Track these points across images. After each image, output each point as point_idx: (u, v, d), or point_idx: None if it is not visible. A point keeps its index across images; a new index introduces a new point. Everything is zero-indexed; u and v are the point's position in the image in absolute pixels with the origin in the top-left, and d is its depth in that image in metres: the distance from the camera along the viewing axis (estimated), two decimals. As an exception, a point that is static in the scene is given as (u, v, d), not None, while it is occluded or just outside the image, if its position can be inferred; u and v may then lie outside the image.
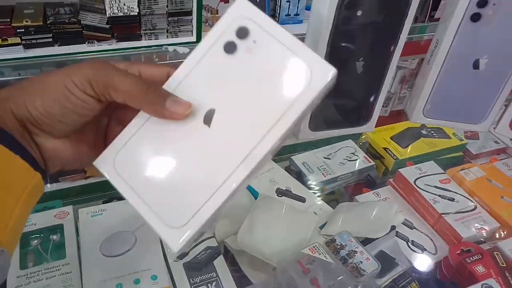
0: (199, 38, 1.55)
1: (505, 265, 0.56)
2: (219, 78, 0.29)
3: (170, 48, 0.76)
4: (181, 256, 0.53)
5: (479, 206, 0.66)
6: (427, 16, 1.74)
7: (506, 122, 0.50)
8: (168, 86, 0.30)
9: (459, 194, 0.68)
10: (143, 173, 0.29)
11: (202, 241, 0.55)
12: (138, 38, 1.50)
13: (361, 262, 0.50)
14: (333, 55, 0.41)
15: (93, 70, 0.28)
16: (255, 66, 0.28)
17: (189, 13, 1.51)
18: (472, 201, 0.66)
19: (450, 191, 0.68)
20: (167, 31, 1.53)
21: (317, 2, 0.41)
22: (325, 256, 0.50)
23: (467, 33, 0.44)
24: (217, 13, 1.59)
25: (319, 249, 0.51)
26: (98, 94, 0.29)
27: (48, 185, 0.95)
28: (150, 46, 1.46)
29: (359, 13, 0.40)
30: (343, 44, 0.42)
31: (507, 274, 0.55)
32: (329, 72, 0.27)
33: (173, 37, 1.55)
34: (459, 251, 0.59)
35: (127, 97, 0.29)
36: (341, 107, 0.48)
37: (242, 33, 0.28)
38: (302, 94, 0.27)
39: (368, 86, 0.46)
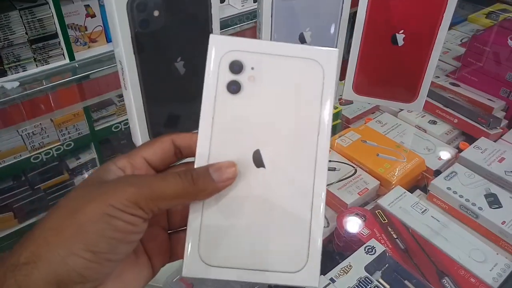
0: (72, 59, 1.46)
1: (386, 221, 0.58)
2: (241, 120, 0.28)
3: None
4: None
5: (359, 169, 0.68)
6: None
7: (349, 87, 0.51)
8: (200, 159, 0.28)
9: (339, 162, 0.69)
10: (234, 247, 0.27)
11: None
12: (4, 73, 1.38)
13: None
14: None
15: (134, 187, 0.25)
16: (267, 89, 0.28)
17: (54, 36, 1.41)
18: (352, 166, 0.68)
19: (331, 160, 0.69)
20: (35, 60, 1.42)
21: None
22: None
23: (282, 9, 0.44)
24: (86, 30, 1.50)
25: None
26: (146, 211, 0.25)
27: None
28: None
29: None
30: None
31: (389, 229, 0.57)
32: (334, 54, 0.27)
33: (43, 65, 1.44)
34: (346, 218, 0.60)
35: (177, 200, 0.26)
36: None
37: (236, 67, 0.28)
38: (325, 88, 0.27)
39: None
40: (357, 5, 0.48)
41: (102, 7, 1.50)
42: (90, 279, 0.24)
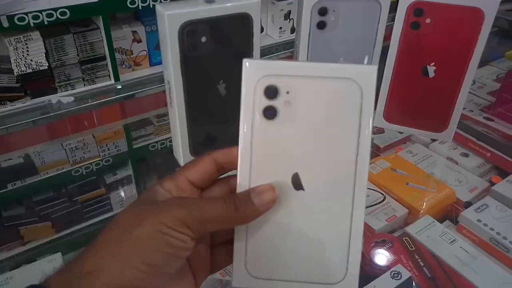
0: (117, 80, 1.54)
1: (413, 248, 0.59)
2: (279, 144, 0.28)
3: (54, 100, 0.75)
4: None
5: (388, 196, 0.69)
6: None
7: (380, 115, 0.53)
8: (241, 184, 0.29)
9: (369, 189, 0.70)
10: (277, 261, 0.29)
11: None
12: (54, 91, 1.47)
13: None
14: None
15: (184, 209, 0.27)
16: (303, 113, 0.28)
17: (103, 58, 1.51)
18: (381, 193, 0.69)
19: (360, 187, 0.71)
20: (83, 79, 1.52)
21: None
22: (235, 277, 0.50)
23: (317, 39, 0.47)
24: (131, 54, 1.59)
25: (230, 272, 0.51)
26: (194, 231, 0.27)
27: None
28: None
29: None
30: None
31: (416, 256, 0.58)
32: (373, 71, 0.27)
33: (90, 84, 1.53)
34: (373, 244, 0.61)
35: (222, 224, 0.28)
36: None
37: (271, 92, 0.27)
38: (364, 107, 0.27)
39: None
40: (390, 39, 0.51)
41: (148, 33, 1.60)
42: None
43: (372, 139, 0.84)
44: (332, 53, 0.48)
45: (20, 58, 1.34)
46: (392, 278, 0.52)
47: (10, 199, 1.33)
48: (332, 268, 0.29)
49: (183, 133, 0.44)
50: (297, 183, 0.29)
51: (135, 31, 1.57)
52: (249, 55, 0.44)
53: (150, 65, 1.65)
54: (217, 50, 0.42)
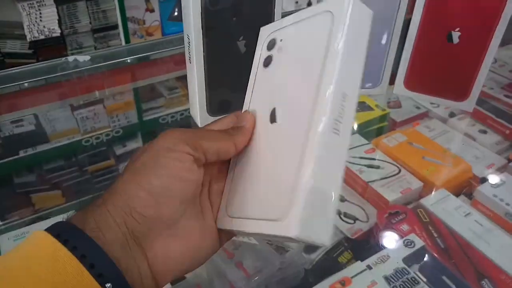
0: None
1: (428, 220, 0.58)
2: (268, 86, 0.31)
3: (70, 59, 0.75)
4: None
5: (403, 169, 0.68)
6: None
7: (400, 82, 0.52)
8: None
9: (384, 161, 0.69)
10: (243, 199, 0.30)
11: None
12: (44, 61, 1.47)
13: (285, 239, 0.51)
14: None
15: (181, 131, 0.29)
16: (289, 54, 0.30)
17: (115, 27, 1.49)
18: (397, 166, 0.68)
19: (375, 159, 0.70)
20: (95, 48, 1.51)
21: None
22: (249, 239, 0.50)
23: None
24: (144, 23, 1.57)
25: (242, 234, 0.51)
26: (193, 148, 0.28)
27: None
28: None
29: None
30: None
31: (430, 228, 0.57)
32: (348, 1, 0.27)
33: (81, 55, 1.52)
34: (386, 214, 0.60)
35: (217, 143, 0.29)
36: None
37: (271, 44, 0.31)
38: (333, 33, 0.26)
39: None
40: (411, 13, 0.49)
41: (161, 3, 1.58)
42: (150, 220, 0.26)
43: (388, 113, 0.83)
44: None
45: (33, 24, 1.34)
46: (406, 246, 0.52)
47: (21, 166, 1.34)
48: (279, 203, 0.27)
49: (201, 90, 0.43)
50: (272, 117, 0.30)
51: (148, 0, 1.55)
52: (271, 12, 0.43)
53: (163, 35, 1.63)
54: (239, 6, 0.40)
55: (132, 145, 1.63)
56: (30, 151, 1.36)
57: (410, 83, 0.52)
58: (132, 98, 1.50)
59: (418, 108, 0.86)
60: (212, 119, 0.46)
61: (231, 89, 0.46)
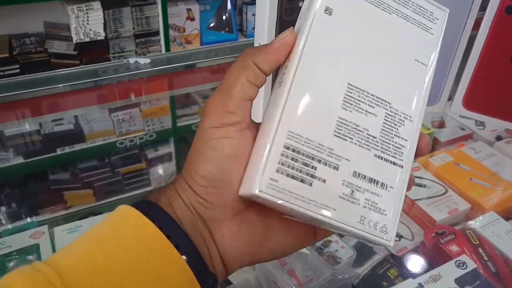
0: (168, 57, 1.57)
1: (477, 243, 0.58)
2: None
3: (132, 61, 0.77)
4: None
5: (450, 189, 0.67)
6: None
7: (459, 101, 0.52)
8: None
9: (430, 180, 0.69)
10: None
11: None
12: (107, 61, 1.51)
13: (337, 250, 0.51)
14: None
15: (218, 99, 0.27)
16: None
17: (156, 33, 1.53)
18: (443, 185, 0.68)
19: (421, 178, 0.69)
20: (136, 53, 1.55)
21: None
22: (301, 249, 0.50)
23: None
24: (184, 31, 1.61)
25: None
26: (253, 58, 0.26)
27: (28, 219, 0.93)
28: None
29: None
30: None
31: (480, 251, 0.57)
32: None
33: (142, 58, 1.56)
34: (433, 234, 0.60)
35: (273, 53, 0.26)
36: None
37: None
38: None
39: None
40: (477, 29, 0.49)
41: (202, 12, 1.61)
42: (214, 205, 0.26)
43: (433, 132, 0.83)
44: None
45: (80, 27, 1.38)
46: (457, 267, 0.51)
47: (57, 164, 1.38)
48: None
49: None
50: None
51: (190, 9, 1.58)
52: None
53: (201, 44, 1.67)
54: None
55: (164, 149, 1.66)
56: (67, 149, 1.40)
57: (469, 103, 0.52)
58: (168, 103, 1.53)
59: (462, 129, 0.86)
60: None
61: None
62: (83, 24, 1.37)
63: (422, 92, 0.28)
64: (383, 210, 0.26)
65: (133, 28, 1.48)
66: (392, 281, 0.55)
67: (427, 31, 0.29)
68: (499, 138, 0.80)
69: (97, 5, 1.37)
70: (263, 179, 0.24)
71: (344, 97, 0.26)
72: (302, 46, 0.26)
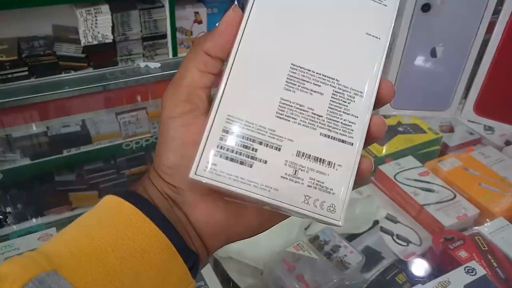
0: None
1: (486, 248, 0.57)
2: None
3: (142, 65, 0.78)
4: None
5: (458, 194, 0.67)
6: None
7: (470, 106, 0.51)
8: None
9: (438, 185, 0.69)
10: None
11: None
12: (115, 64, 1.52)
13: (346, 255, 0.51)
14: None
15: (172, 90, 0.27)
16: None
17: (164, 36, 1.54)
18: (452, 191, 0.68)
19: (430, 182, 0.69)
20: (143, 56, 1.55)
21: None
22: (309, 253, 0.50)
23: (420, 23, 0.46)
24: (191, 34, 1.61)
25: (303, 247, 0.51)
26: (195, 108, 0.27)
27: (34, 220, 0.93)
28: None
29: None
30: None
31: (489, 257, 0.56)
32: None
33: (149, 61, 1.56)
34: (442, 239, 0.59)
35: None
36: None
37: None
38: None
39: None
40: (491, 32, 0.49)
41: (209, 15, 1.62)
42: (182, 190, 0.27)
43: (441, 137, 0.82)
44: (431, 37, 0.47)
45: (88, 30, 1.39)
46: (467, 273, 0.51)
47: (63, 165, 1.39)
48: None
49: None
50: None
51: (197, 12, 1.59)
52: None
53: (208, 48, 1.67)
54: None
55: (169, 152, 1.64)
56: (73, 151, 1.40)
57: (480, 108, 0.52)
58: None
59: (471, 134, 0.85)
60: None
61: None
62: (91, 27, 1.38)
63: (374, 66, 0.27)
64: (330, 189, 0.25)
65: (141, 31, 1.49)
66: (401, 287, 0.54)
67: (379, 2, 0.27)
68: (508, 143, 0.80)
69: (105, 8, 1.38)
70: (201, 164, 0.24)
71: (288, 78, 0.25)
72: (243, 27, 0.26)
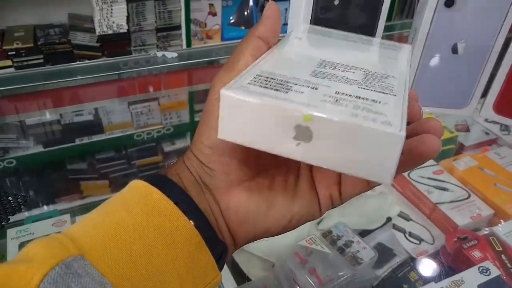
0: (189, 52, 1.57)
1: (501, 249, 0.57)
2: None
3: (159, 54, 0.78)
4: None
5: (473, 194, 0.66)
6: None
7: (489, 105, 0.51)
8: None
9: (453, 184, 0.68)
10: None
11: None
12: (129, 54, 1.52)
13: (358, 251, 0.51)
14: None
15: (224, 74, 0.27)
16: None
17: (178, 27, 1.54)
18: (466, 190, 0.67)
19: (444, 181, 0.69)
20: (157, 46, 1.56)
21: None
22: (322, 247, 0.50)
23: (442, 18, 0.45)
24: (205, 26, 1.61)
25: (316, 241, 0.51)
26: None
27: (45, 207, 0.94)
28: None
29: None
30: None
31: (504, 257, 0.56)
32: None
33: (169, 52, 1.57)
34: (455, 239, 0.59)
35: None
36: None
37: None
38: None
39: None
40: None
41: (224, 7, 1.61)
42: (218, 173, 0.26)
43: (456, 136, 0.82)
44: (453, 33, 0.46)
45: (104, 19, 1.40)
46: (481, 273, 0.51)
47: (75, 154, 1.40)
48: None
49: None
50: None
51: (212, 4, 1.59)
52: (375, 23, 0.43)
53: (222, 40, 1.67)
54: (347, 15, 0.41)
55: (180, 143, 1.66)
56: (85, 140, 1.42)
57: (500, 107, 0.51)
58: (186, 98, 1.53)
59: (487, 133, 0.84)
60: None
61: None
62: (106, 16, 1.39)
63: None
64: (381, 113, 0.21)
65: (155, 22, 1.49)
66: (413, 284, 0.54)
67: (394, 59, 0.30)
68: (525, 143, 0.79)
69: (121, -2, 1.38)
70: (233, 86, 0.22)
71: (318, 63, 0.27)
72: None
